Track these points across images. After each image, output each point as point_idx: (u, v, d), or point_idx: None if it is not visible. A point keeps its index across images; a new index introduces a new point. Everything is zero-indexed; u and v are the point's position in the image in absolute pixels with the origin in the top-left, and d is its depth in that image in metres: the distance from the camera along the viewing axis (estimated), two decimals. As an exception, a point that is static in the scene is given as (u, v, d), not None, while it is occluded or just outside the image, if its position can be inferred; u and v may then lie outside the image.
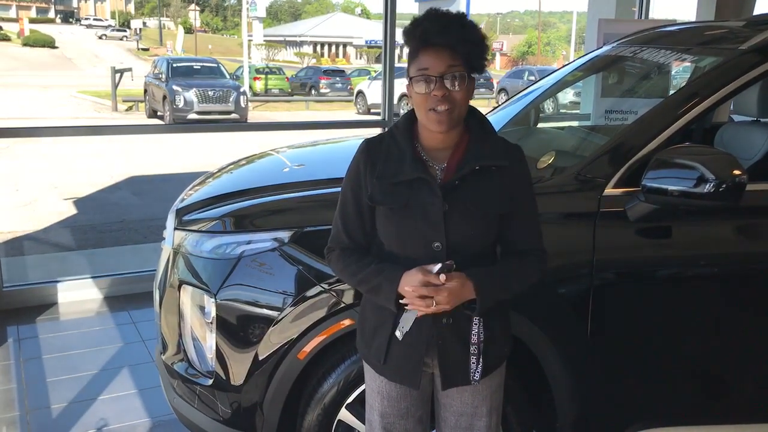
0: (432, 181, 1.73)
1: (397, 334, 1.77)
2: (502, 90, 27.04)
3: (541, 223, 1.85)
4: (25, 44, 48.02)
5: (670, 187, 2.12)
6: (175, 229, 2.59)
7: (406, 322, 1.77)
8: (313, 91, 28.11)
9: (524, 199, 1.81)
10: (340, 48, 67.88)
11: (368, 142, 1.83)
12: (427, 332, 1.79)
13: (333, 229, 1.89)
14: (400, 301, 1.73)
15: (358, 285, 1.84)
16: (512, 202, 1.77)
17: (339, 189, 1.89)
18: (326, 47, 67.41)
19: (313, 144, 3.68)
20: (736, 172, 2.07)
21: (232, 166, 3.23)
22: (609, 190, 2.29)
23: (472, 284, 1.69)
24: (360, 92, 23.80)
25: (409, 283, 1.68)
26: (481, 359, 1.80)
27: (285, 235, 2.31)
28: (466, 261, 1.72)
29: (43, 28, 54.83)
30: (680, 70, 3.89)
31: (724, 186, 2.06)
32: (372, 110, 22.23)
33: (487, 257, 1.81)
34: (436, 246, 1.73)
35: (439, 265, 1.67)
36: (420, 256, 1.73)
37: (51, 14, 77.87)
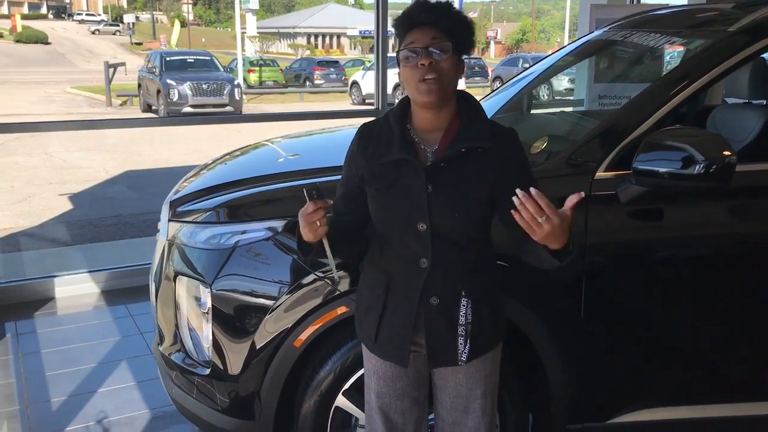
0: (415, 162, 1.76)
1: (335, 276, 1.78)
2: (497, 78, 26.98)
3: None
4: (17, 41, 47.84)
5: (661, 169, 2.13)
6: (170, 220, 2.59)
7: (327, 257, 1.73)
8: (307, 83, 28.03)
9: (520, 180, 1.72)
10: (334, 39, 67.65)
11: (364, 126, 1.89)
12: (414, 311, 1.80)
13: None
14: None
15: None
16: (501, 184, 1.74)
17: (331, 177, 1.93)
18: (320, 38, 67.19)
19: (308, 134, 3.68)
20: (726, 153, 2.07)
21: (226, 157, 3.24)
22: (600, 174, 2.29)
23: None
24: (354, 83, 23.71)
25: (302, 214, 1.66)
26: (468, 341, 1.82)
27: (279, 224, 2.32)
28: (456, 243, 1.75)
29: (36, 24, 54.62)
30: (675, 54, 3.89)
31: (714, 167, 2.06)
32: (367, 101, 22.15)
33: (479, 242, 1.82)
34: (420, 226, 1.76)
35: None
36: (406, 236, 1.77)
37: (43, 10, 77.57)
